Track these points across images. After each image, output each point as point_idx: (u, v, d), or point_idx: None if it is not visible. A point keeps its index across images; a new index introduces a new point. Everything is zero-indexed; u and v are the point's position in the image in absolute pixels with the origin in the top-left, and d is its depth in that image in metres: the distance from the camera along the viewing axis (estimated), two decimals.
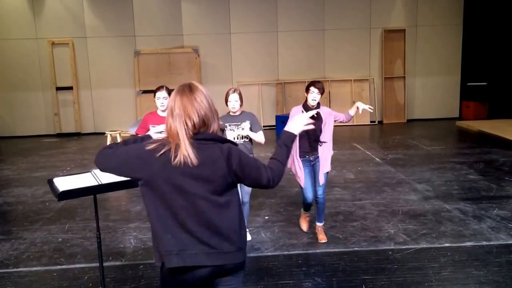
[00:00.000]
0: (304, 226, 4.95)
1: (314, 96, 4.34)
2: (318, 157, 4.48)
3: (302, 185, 4.54)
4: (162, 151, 1.95)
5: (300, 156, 4.47)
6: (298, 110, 4.43)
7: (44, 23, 12.05)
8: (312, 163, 4.51)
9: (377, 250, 4.37)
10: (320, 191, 4.55)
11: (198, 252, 1.97)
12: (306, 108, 4.40)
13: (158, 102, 4.20)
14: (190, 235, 1.97)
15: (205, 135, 2.00)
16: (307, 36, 12.63)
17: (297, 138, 4.25)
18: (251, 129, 4.42)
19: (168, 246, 1.97)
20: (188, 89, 2.03)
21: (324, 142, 4.45)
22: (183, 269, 1.99)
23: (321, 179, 4.50)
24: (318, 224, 4.70)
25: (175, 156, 1.93)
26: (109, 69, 12.32)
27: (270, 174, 2.07)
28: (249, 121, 4.43)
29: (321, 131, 4.41)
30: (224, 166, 1.98)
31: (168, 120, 2.02)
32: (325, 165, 4.49)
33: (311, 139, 4.42)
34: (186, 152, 1.92)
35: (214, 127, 2.05)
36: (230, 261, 2.03)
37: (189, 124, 1.97)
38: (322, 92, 4.36)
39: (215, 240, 1.99)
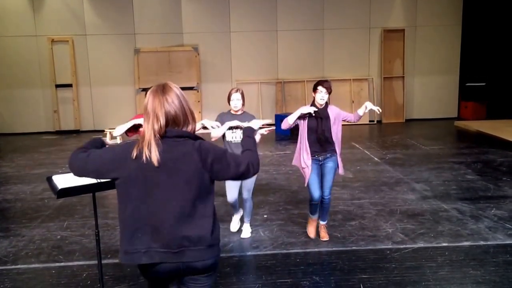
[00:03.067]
0: (312, 232, 4.72)
1: (322, 95, 4.32)
2: (327, 157, 4.46)
3: (306, 181, 4.53)
4: (135, 151, 2.00)
5: (310, 155, 4.42)
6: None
7: (44, 21, 12.04)
8: (320, 163, 4.48)
9: (375, 249, 4.39)
10: (326, 192, 4.53)
11: (167, 251, 2.00)
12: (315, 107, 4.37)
13: None
14: (161, 233, 2.00)
15: (177, 132, 2.04)
16: (307, 35, 12.63)
17: (305, 136, 4.29)
18: None
19: (137, 244, 2.02)
20: (160, 90, 2.06)
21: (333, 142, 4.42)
22: (152, 264, 2.05)
23: (329, 180, 4.51)
24: (322, 222, 4.71)
25: (144, 155, 1.98)
26: (109, 67, 12.31)
27: (249, 160, 2.14)
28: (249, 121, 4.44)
29: (330, 131, 4.38)
30: (197, 161, 2.03)
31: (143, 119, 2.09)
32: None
33: (321, 139, 4.38)
34: (150, 152, 1.97)
35: (188, 127, 2.08)
36: (199, 258, 2.03)
37: (158, 125, 2.00)
38: (330, 91, 4.35)
39: (186, 238, 2.01)
